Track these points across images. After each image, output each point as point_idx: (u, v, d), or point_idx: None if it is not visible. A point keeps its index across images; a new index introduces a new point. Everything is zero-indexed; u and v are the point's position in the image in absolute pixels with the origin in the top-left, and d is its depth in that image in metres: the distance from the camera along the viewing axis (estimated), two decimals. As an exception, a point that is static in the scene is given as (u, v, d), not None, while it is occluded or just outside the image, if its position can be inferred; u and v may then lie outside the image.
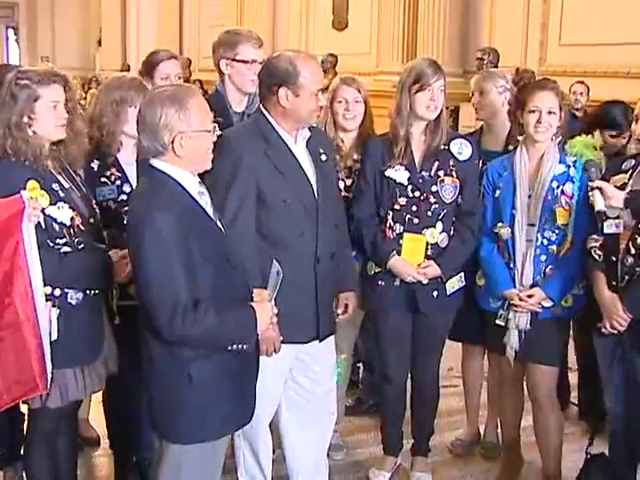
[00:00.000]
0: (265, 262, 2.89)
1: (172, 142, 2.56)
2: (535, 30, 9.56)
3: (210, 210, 2.71)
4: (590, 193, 3.30)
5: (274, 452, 3.61)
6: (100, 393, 3.43)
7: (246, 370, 2.77)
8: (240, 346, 2.66)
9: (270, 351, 3.03)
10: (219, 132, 3.34)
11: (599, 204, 3.24)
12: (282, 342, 3.09)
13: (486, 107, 4.01)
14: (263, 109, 3.17)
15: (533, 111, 3.46)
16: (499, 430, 4.12)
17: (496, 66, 8.41)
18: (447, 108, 4.03)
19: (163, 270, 2.48)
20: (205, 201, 2.69)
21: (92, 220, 3.04)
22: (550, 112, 3.46)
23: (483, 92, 4.01)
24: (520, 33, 9.68)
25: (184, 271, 2.50)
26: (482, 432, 4.28)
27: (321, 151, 3.29)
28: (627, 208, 3.25)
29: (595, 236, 3.37)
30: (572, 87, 8.09)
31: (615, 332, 3.31)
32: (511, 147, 3.83)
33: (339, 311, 3.50)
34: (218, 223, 2.73)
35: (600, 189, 3.24)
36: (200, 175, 2.74)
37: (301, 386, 3.40)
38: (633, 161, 3.39)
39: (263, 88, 3.18)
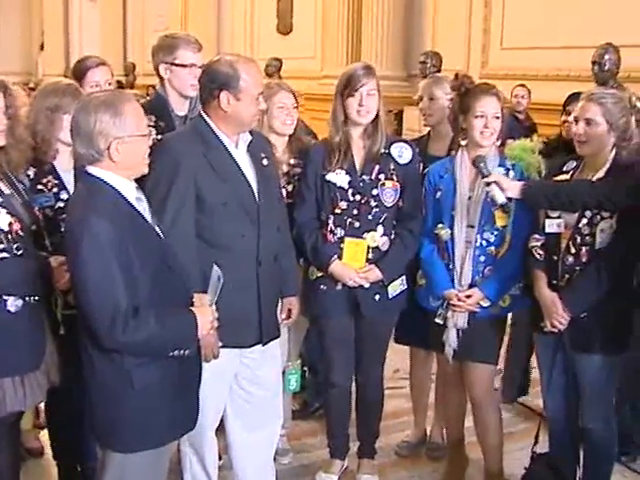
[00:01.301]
0: (206, 266, 2.88)
1: (108, 148, 2.55)
2: (477, 34, 9.67)
3: (148, 215, 2.70)
4: (487, 188, 3.39)
5: (221, 458, 3.61)
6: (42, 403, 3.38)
7: (188, 375, 2.77)
8: (182, 351, 2.65)
9: (209, 356, 3.02)
10: (160, 137, 3.37)
11: (499, 197, 3.34)
12: (226, 346, 3.09)
13: (436, 113, 4.03)
14: (204, 113, 3.16)
15: (479, 116, 3.50)
16: (444, 430, 4.16)
17: (439, 70, 8.50)
18: (390, 111, 4.08)
19: (102, 276, 2.47)
20: (143, 207, 2.68)
21: (34, 227, 3.00)
22: (495, 117, 3.52)
23: (433, 98, 4.03)
24: (462, 37, 9.79)
25: (123, 277, 2.49)
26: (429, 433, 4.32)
27: (262, 155, 3.29)
28: (524, 197, 3.34)
29: (536, 235, 3.44)
30: (514, 90, 8.20)
31: (555, 331, 3.37)
32: (454, 152, 3.87)
33: (282, 316, 3.52)
34: (156, 228, 2.72)
35: (496, 183, 3.34)
36: (139, 179, 2.73)
37: (246, 391, 3.39)
38: (574, 162, 3.46)
39: (204, 92, 3.17)
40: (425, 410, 4.36)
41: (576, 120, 3.38)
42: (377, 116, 3.57)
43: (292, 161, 3.83)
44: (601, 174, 3.32)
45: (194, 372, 2.81)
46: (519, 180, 3.50)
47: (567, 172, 3.45)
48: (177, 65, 3.66)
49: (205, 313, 2.71)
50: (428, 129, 4.23)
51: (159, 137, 3.38)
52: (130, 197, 2.63)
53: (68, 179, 3.27)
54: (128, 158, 2.59)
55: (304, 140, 3.91)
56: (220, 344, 3.04)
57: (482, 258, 3.54)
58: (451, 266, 3.58)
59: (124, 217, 2.56)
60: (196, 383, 2.83)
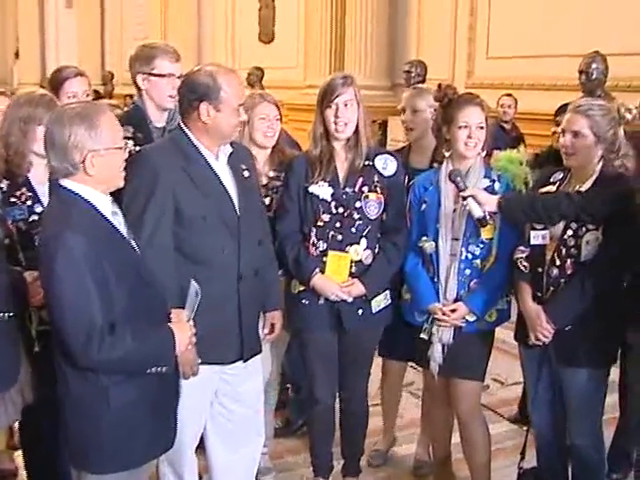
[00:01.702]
0: (185, 281, 2.88)
1: (83, 161, 2.54)
2: (462, 43, 9.74)
3: (124, 230, 2.70)
4: (464, 202, 3.41)
5: (201, 478, 3.59)
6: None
7: (166, 393, 2.76)
8: (159, 369, 2.65)
9: (188, 373, 3.01)
10: (139, 148, 3.37)
11: (476, 211, 3.37)
12: (206, 363, 3.08)
13: (418, 126, 4.03)
14: (183, 125, 3.17)
15: (463, 127, 3.52)
16: (431, 447, 4.17)
17: (424, 79, 8.54)
18: (374, 122, 4.09)
19: (77, 292, 2.46)
20: (118, 221, 2.68)
21: (7, 241, 2.99)
22: (479, 127, 3.54)
23: (417, 110, 4.04)
24: (448, 46, 9.86)
25: (98, 292, 2.48)
26: (415, 450, 4.33)
27: (243, 167, 3.30)
28: (501, 211, 3.38)
29: (521, 247, 3.46)
30: (500, 100, 8.28)
31: (540, 344, 3.40)
32: (436, 165, 3.90)
33: (265, 331, 3.52)
34: (132, 243, 2.71)
35: (473, 196, 3.37)
36: (114, 192, 2.72)
37: (227, 408, 3.39)
38: (561, 173, 3.49)
39: (183, 103, 3.17)
40: (394, 417, 4.40)
41: (563, 132, 3.41)
42: (358, 127, 3.58)
43: (271, 174, 3.84)
44: (588, 185, 3.35)
45: (172, 389, 2.80)
46: (505, 192, 3.53)
47: (554, 183, 3.47)
48: (155, 75, 3.66)
49: (183, 329, 2.71)
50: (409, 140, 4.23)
51: (137, 149, 3.39)
52: (105, 211, 2.63)
53: (43, 191, 3.25)
54: (104, 171, 2.58)
55: (287, 153, 3.92)
56: (200, 360, 3.03)
57: (467, 271, 3.55)
58: (436, 280, 3.59)
59: (99, 231, 2.56)
60: (174, 401, 2.83)
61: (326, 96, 3.54)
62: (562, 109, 4.49)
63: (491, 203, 3.38)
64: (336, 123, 3.53)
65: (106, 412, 2.58)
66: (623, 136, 3.40)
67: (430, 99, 3.96)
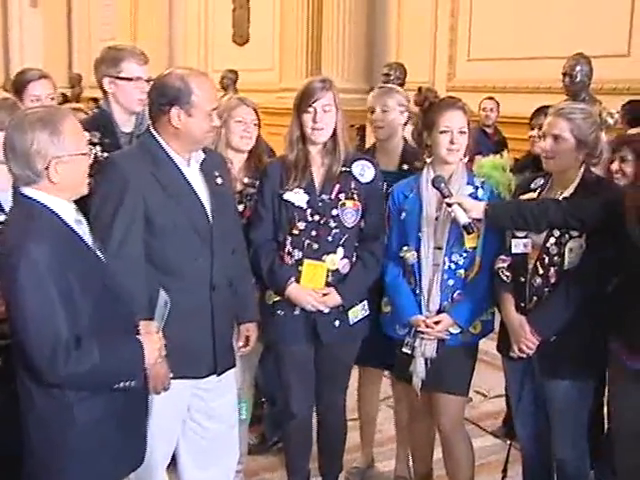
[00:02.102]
0: (155, 291, 2.89)
1: (46, 169, 2.52)
2: (443, 45, 9.78)
3: (89, 239, 2.68)
4: (449, 209, 3.42)
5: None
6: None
7: (135, 408, 2.75)
8: (127, 383, 2.63)
9: (159, 388, 3.00)
10: (106, 154, 3.36)
11: (462, 218, 3.38)
12: (177, 377, 3.07)
13: (387, 126, 4.05)
14: (153, 130, 3.16)
15: (444, 131, 3.53)
16: (411, 464, 4.17)
17: (403, 82, 8.56)
18: (352, 126, 4.10)
19: (41, 305, 2.44)
20: (83, 230, 2.67)
21: None
22: (461, 132, 3.55)
23: (387, 110, 4.06)
24: (428, 48, 9.89)
25: (63, 305, 2.46)
26: (394, 466, 4.33)
27: (216, 174, 3.30)
28: (487, 218, 3.39)
29: (503, 256, 3.48)
30: (482, 103, 8.32)
31: (524, 356, 3.41)
32: (405, 167, 3.94)
33: (240, 344, 3.52)
34: (98, 252, 2.70)
35: (458, 203, 3.39)
36: (82, 201, 2.71)
37: (199, 424, 3.38)
38: (542, 179, 3.52)
39: (153, 108, 3.17)
40: (372, 432, 4.40)
41: (543, 135, 3.43)
42: (335, 132, 3.59)
43: (246, 180, 3.85)
44: (570, 191, 3.37)
45: (141, 405, 2.79)
46: (489, 199, 3.54)
47: (535, 190, 3.49)
48: (122, 79, 3.64)
49: (152, 341, 2.70)
50: (373, 142, 4.26)
51: (105, 155, 3.38)
52: (69, 220, 2.61)
53: (5, 199, 3.20)
54: (67, 178, 2.56)
55: (264, 160, 3.93)
56: (171, 375, 3.03)
57: (451, 282, 3.56)
58: (418, 291, 3.59)
59: (63, 241, 2.54)
60: (143, 416, 2.82)
61: (304, 100, 3.54)
62: (538, 113, 4.53)
63: (477, 210, 3.40)
64: (314, 128, 3.54)
65: (71, 429, 2.56)
66: (605, 141, 3.44)
67: (399, 98, 4.02)
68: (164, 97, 3.09)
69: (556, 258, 3.33)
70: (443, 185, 3.45)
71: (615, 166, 3.63)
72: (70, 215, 2.63)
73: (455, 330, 3.56)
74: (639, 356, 3.13)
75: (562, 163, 3.37)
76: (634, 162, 3.62)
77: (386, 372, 4.28)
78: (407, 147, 4.10)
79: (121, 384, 2.62)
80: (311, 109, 3.52)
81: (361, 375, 4.27)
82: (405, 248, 3.61)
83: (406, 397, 3.91)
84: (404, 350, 3.62)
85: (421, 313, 3.57)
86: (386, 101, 4.07)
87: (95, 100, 10.81)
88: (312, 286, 3.57)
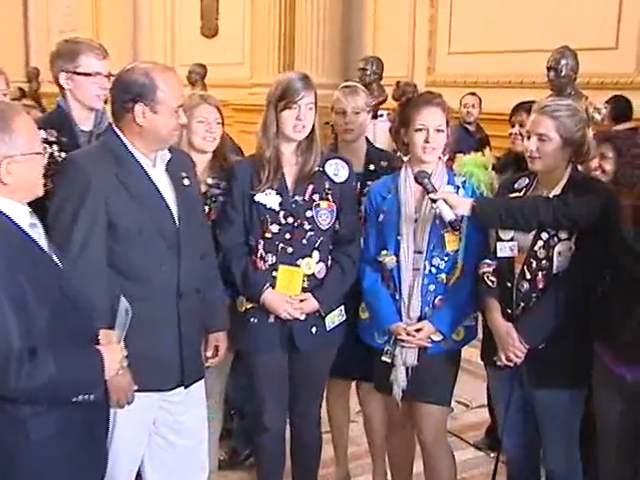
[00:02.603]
0: (118, 299, 2.87)
1: None
2: (422, 37, 9.81)
3: (44, 243, 2.66)
4: (434, 206, 3.44)
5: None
6: None
7: (94, 423, 2.73)
8: (86, 396, 2.61)
9: (122, 401, 2.98)
10: (64, 154, 3.34)
11: (447, 214, 3.39)
12: (142, 390, 3.05)
13: (358, 128, 4.08)
14: (116, 128, 3.15)
15: (420, 129, 3.54)
16: (389, 478, 4.18)
17: (380, 77, 8.62)
18: (327, 124, 4.11)
19: None
20: (38, 233, 2.64)
21: None
22: (438, 130, 3.56)
23: (358, 112, 4.07)
24: (406, 41, 9.92)
25: (16, 313, 2.42)
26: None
27: (183, 175, 3.29)
28: (474, 215, 3.41)
29: (487, 260, 3.49)
30: (463, 99, 8.34)
31: (511, 365, 3.42)
32: (372, 167, 3.98)
33: (208, 354, 3.51)
34: (54, 257, 2.67)
35: (444, 199, 3.40)
36: (32, 202, 2.68)
37: (166, 440, 3.36)
38: (526, 179, 3.53)
39: (116, 105, 3.15)
40: (345, 445, 4.41)
41: (528, 135, 3.44)
42: (312, 131, 3.60)
43: (210, 180, 3.84)
44: (557, 191, 3.38)
45: (100, 419, 2.77)
46: (470, 197, 3.55)
47: (519, 190, 3.51)
48: (80, 74, 3.61)
49: (112, 351, 2.68)
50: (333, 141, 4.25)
51: (63, 155, 3.36)
52: (23, 223, 2.58)
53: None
54: (21, 179, 2.54)
55: (230, 159, 3.92)
56: (135, 387, 3.01)
57: (432, 287, 3.57)
58: (398, 297, 3.60)
59: (16, 246, 2.51)
60: (103, 431, 2.80)
61: (287, 96, 3.53)
62: (518, 108, 4.55)
63: (464, 206, 3.41)
64: (296, 126, 3.54)
65: (24, 446, 2.52)
66: (592, 138, 3.46)
67: (365, 98, 4.09)
68: (127, 93, 3.08)
69: (544, 262, 3.34)
70: (427, 180, 3.46)
71: (595, 163, 3.65)
72: (23, 218, 2.60)
73: (437, 337, 3.57)
74: (624, 361, 3.16)
75: (548, 163, 3.38)
76: (615, 160, 3.64)
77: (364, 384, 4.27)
78: (371, 147, 4.15)
79: (79, 397, 2.60)
80: (295, 106, 3.52)
81: (329, 386, 4.27)
82: (384, 252, 3.62)
83: (385, 408, 3.92)
84: (384, 359, 3.63)
85: (401, 320, 3.58)
86: (357, 102, 4.10)
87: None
88: (288, 292, 3.58)
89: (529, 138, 3.42)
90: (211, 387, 3.82)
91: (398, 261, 3.58)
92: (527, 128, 3.48)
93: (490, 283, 3.47)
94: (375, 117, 8.40)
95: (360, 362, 3.83)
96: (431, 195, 3.44)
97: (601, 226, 3.22)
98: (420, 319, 3.57)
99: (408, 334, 3.55)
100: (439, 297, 3.58)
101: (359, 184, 3.89)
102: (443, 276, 3.58)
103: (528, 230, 3.37)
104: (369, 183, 3.88)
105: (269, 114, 3.58)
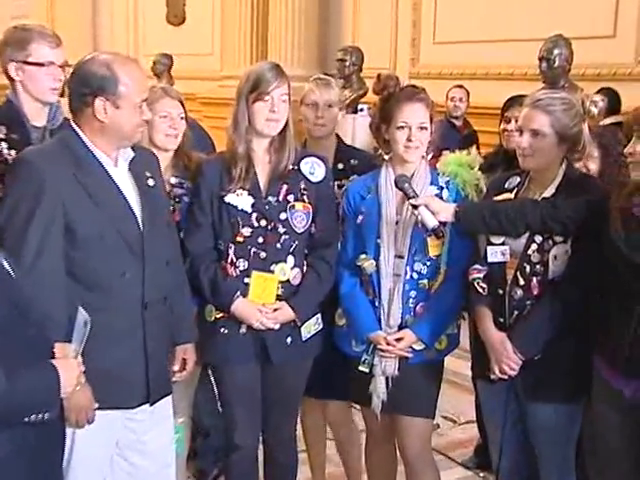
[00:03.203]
0: (76, 309, 2.86)
1: None
2: (405, 26, 9.84)
3: None
4: (415, 212, 3.46)
5: None
6: None
7: (49, 445, 2.72)
8: (40, 415, 2.60)
9: (81, 421, 2.98)
10: (15, 153, 3.33)
11: (430, 221, 3.40)
12: (104, 408, 3.06)
13: (330, 123, 4.11)
14: (74, 124, 3.14)
15: (402, 127, 3.57)
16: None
17: (360, 68, 8.63)
18: (301, 120, 4.12)
19: None
20: None
21: None
22: (421, 127, 3.59)
23: (332, 106, 4.10)
24: (388, 30, 9.95)
25: None
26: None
27: (148, 175, 3.28)
28: (458, 220, 3.42)
29: (478, 266, 3.50)
30: (449, 92, 8.39)
31: (505, 377, 3.43)
32: (340, 166, 4.01)
33: (175, 368, 3.51)
34: (5, 264, 2.66)
35: (425, 205, 3.41)
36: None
37: (130, 462, 3.35)
38: (518, 178, 3.55)
39: (74, 99, 3.14)
40: (323, 466, 4.43)
41: (520, 131, 3.45)
42: (286, 126, 3.61)
43: (173, 180, 3.84)
44: (551, 191, 3.40)
45: (56, 440, 2.76)
46: (455, 201, 3.58)
47: (510, 190, 3.52)
48: (31, 64, 3.58)
49: (69, 366, 2.68)
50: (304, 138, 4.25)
51: (13, 153, 3.35)
52: None
53: None
54: None
55: (194, 157, 3.92)
56: (96, 405, 3.01)
57: (413, 293, 3.60)
58: (377, 303, 3.62)
59: None
60: (58, 453, 2.79)
61: (259, 87, 3.54)
62: (511, 102, 4.57)
63: (446, 212, 3.43)
64: (269, 119, 3.55)
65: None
66: (588, 133, 3.47)
67: (338, 91, 4.13)
68: (86, 86, 3.07)
69: (538, 267, 3.35)
70: (407, 185, 3.48)
71: (579, 163, 3.65)
72: None
73: (419, 346, 3.60)
74: (620, 373, 3.16)
75: (542, 161, 3.40)
76: (600, 159, 3.67)
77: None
78: (341, 144, 4.18)
79: (33, 416, 2.59)
80: (268, 97, 3.53)
81: (304, 401, 4.27)
82: (362, 256, 3.64)
83: (366, 423, 3.94)
84: (361, 369, 3.65)
85: (381, 328, 3.61)
86: (330, 95, 4.12)
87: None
88: (262, 301, 3.59)
89: (521, 134, 3.43)
90: (178, 404, 3.81)
91: (378, 266, 3.61)
92: (519, 123, 3.48)
93: (481, 290, 3.48)
94: (355, 112, 8.47)
95: (336, 380, 3.86)
96: (412, 201, 3.46)
97: (594, 228, 3.22)
98: (400, 327, 3.59)
99: (388, 343, 3.58)
100: (421, 304, 3.60)
101: None
102: (425, 282, 3.60)
103: (516, 236, 3.39)
104: (338, 183, 3.92)
105: (240, 108, 3.59)
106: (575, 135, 3.38)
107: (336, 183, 3.93)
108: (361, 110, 8.41)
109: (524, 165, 3.46)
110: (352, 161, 4.06)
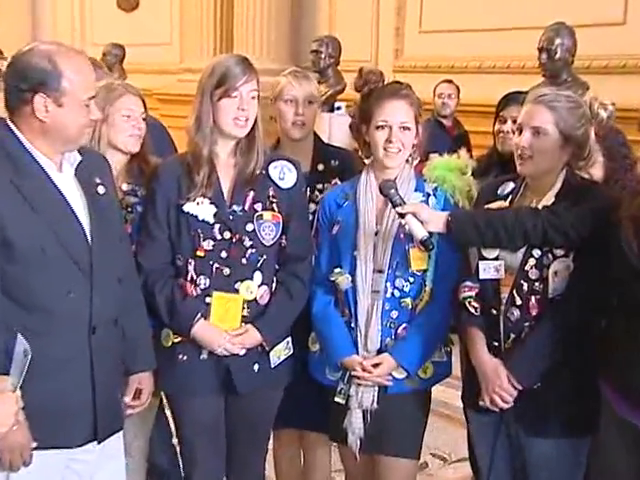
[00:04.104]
0: (14, 335, 2.85)
1: None
2: (388, 13, 9.85)
3: None
4: (402, 222, 3.47)
5: None
6: None
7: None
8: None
9: (16, 463, 2.96)
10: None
11: (419, 232, 3.40)
12: (44, 447, 3.02)
13: (310, 121, 4.14)
14: (11, 123, 3.13)
15: (381, 127, 3.60)
16: None
17: (337, 61, 8.64)
18: (272, 118, 4.13)
19: None
20: None
21: None
22: (403, 127, 3.61)
23: (312, 102, 4.13)
24: (369, 18, 9.96)
25: None
26: None
27: (97, 181, 3.28)
28: (450, 231, 3.43)
29: (468, 283, 3.52)
30: (437, 88, 8.43)
31: (496, 409, 3.44)
32: (321, 167, 4.05)
33: (128, 400, 3.50)
34: None
35: (413, 214, 3.42)
36: None
37: (75, 508, 3.35)
38: (512, 184, 3.56)
39: (11, 95, 3.13)
40: None
41: (520, 129, 3.45)
42: (254, 126, 3.62)
43: (125, 187, 3.85)
44: (550, 199, 3.41)
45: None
46: (443, 209, 3.59)
47: (504, 197, 3.54)
48: None
49: (5, 402, 2.67)
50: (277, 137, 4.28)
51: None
52: None
53: None
54: None
55: (151, 162, 3.93)
56: (35, 444, 2.98)
57: (394, 313, 3.61)
58: (353, 324, 3.64)
59: None
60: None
61: (226, 82, 3.54)
62: (508, 100, 4.59)
63: (437, 221, 3.43)
64: (237, 119, 3.56)
65: None
66: (595, 139, 3.47)
67: (317, 85, 4.16)
68: (25, 81, 3.06)
69: (537, 284, 3.36)
70: (394, 191, 3.49)
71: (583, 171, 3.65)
72: None
73: (400, 374, 3.61)
74: (629, 401, 3.16)
75: (542, 165, 3.41)
76: (604, 164, 3.69)
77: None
78: (319, 143, 4.21)
79: None
80: (236, 94, 3.54)
81: (275, 435, 4.29)
82: (337, 270, 3.67)
83: (343, 462, 3.95)
84: (337, 399, 3.66)
85: (358, 353, 3.62)
86: (311, 90, 4.16)
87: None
88: (225, 324, 3.59)
89: (520, 133, 3.44)
90: (131, 441, 3.82)
91: (354, 281, 3.63)
92: (518, 121, 3.49)
93: (473, 310, 3.49)
94: (332, 110, 8.49)
95: (311, 407, 3.88)
96: (398, 209, 3.46)
97: (600, 240, 3.22)
98: (380, 351, 3.60)
99: (364, 369, 3.58)
100: (403, 325, 3.62)
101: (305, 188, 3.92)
102: (408, 300, 3.62)
103: (513, 248, 3.40)
104: (319, 187, 3.95)
105: (203, 105, 3.59)
106: (581, 138, 3.38)
107: (317, 187, 3.97)
108: (338, 109, 8.43)
109: (522, 170, 3.46)
110: (333, 162, 4.09)
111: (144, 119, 3.94)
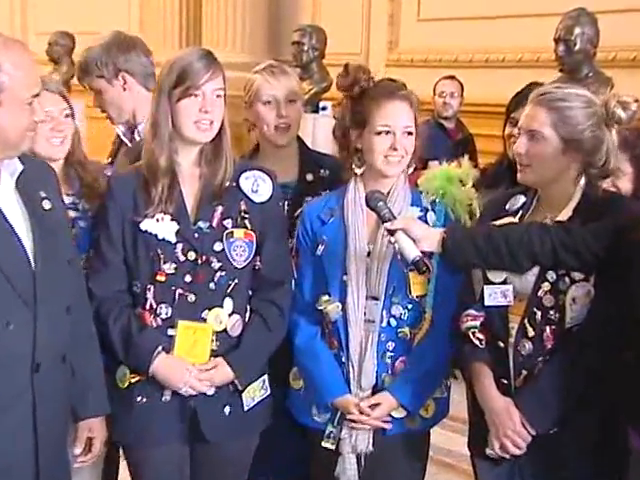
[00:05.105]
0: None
1: None
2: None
3: None
4: (392, 239, 3.45)
5: None
6: None
7: None
8: None
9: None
10: None
11: (410, 251, 3.36)
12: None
13: (294, 124, 4.16)
14: (-58, 128, 3.15)
15: (383, 132, 3.61)
16: None
17: (322, 54, 8.65)
18: (247, 121, 4.14)
19: None
20: None
21: None
22: (407, 132, 3.64)
23: (294, 100, 4.15)
24: (359, 4, 9.98)
25: None
26: None
27: (42, 195, 3.28)
28: (444, 251, 3.40)
29: (472, 311, 3.52)
30: (438, 85, 8.47)
31: (507, 456, 3.43)
32: (310, 177, 4.06)
33: (77, 450, 3.51)
34: None
35: (404, 230, 3.38)
36: None
37: None
38: (522, 198, 3.56)
39: (-58, 93, 3.16)
40: None
41: (519, 133, 3.48)
42: (221, 130, 3.62)
43: (66, 199, 3.82)
44: (566, 215, 3.40)
45: None
46: (444, 226, 3.60)
47: (513, 213, 3.54)
48: None
49: None
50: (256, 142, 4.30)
51: None
52: None
53: None
54: None
55: (88, 167, 3.93)
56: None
57: (391, 345, 3.63)
58: (344, 359, 3.66)
59: None
60: None
61: (187, 79, 3.54)
62: (520, 99, 4.60)
63: (431, 239, 3.40)
64: (199, 122, 3.55)
65: None
66: (614, 143, 3.42)
67: (298, 81, 4.19)
68: None
69: (553, 312, 3.36)
70: (382, 204, 3.49)
71: (606, 182, 3.60)
72: None
73: (399, 414, 3.63)
74: None
75: (543, 173, 3.41)
76: (635, 176, 3.69)
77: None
78: (305, 149, 4.22)
79: None
80: (198, 93, 3.54)
81: None
82: (324, 298, 3.67)
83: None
84: (325, 445, 3.67)
85: (350, 390, 3.62)
86: (293, 86, 4.18)
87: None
88: (192, 359, 3.59)
89: (519, 137, 3.46)
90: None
91: (344, 310, 3.64)
92: (520, 124, 3.50)
93: (477, 342, 3.50)
94: (316, 110, 8.49)
95: (293, 455, 3.89)
96: (387, 225, 3.45)
97: (624, 262, 3.19)
98: (375, 389, 3.62)
99: (361, 412, 3.59)
100: (400, 358, 3.64)
101: (291, 202, 3.95)
102: (406, 330, 3.65)
103: (520, 271, 3.39)
104: (308, 200, 3.95)
105: (161, 107, 3.59)
106: (589, 142, 3.36)
107: (306, 200, 3.96)
108: (323, 109, 8.43)
109: (521, 178, 3.48)
110: (322, 171, 4.11)
111: (70, 116, 3.89)
